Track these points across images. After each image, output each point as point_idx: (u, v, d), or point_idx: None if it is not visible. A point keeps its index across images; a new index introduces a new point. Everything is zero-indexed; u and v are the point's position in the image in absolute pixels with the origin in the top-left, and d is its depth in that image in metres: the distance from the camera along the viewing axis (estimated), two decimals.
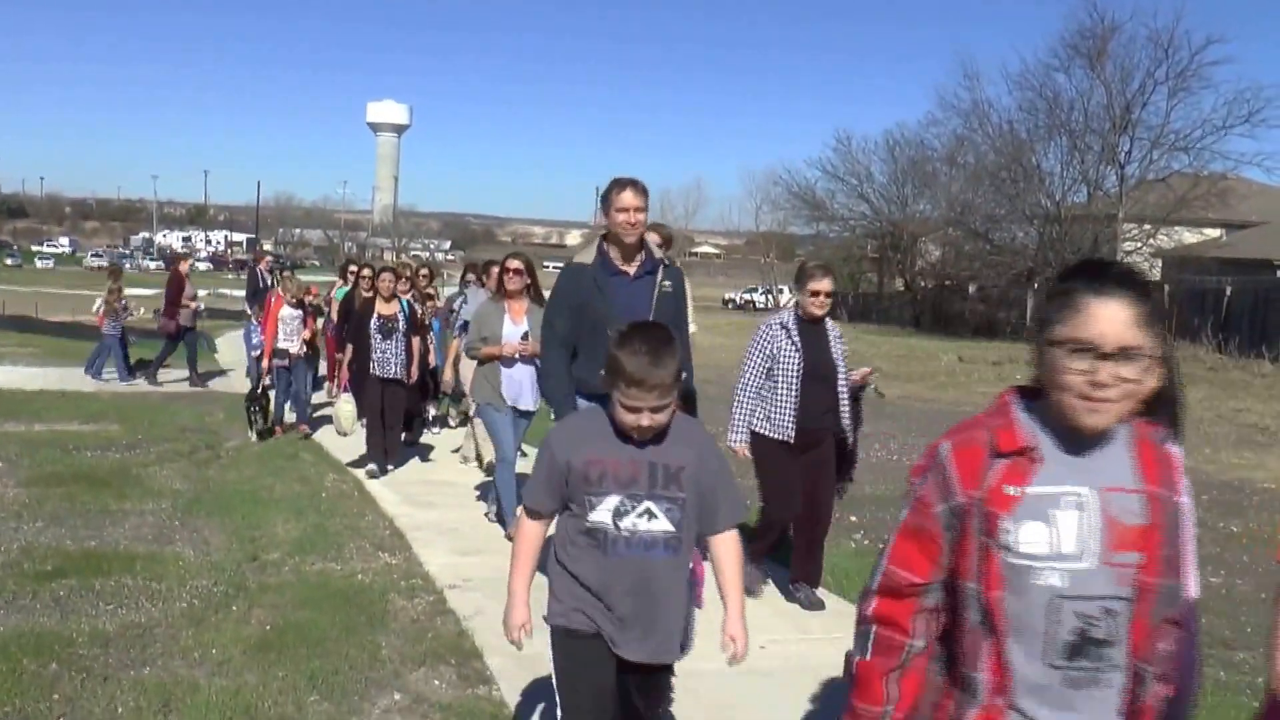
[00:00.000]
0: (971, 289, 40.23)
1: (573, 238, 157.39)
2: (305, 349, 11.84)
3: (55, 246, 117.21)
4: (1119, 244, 34.12)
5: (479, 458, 10.04)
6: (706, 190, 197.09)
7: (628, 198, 5.11)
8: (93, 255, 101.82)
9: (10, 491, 8.14)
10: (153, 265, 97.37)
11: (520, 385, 7.46)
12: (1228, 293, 24.97)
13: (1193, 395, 17.71)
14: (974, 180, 42.26)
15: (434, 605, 6.00)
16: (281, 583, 6.24)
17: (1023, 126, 39.15)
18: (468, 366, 8.56)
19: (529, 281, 7.68)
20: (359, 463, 9.90)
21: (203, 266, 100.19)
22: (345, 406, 10.09)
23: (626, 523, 3.04)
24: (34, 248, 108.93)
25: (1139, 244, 35.89)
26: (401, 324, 9.80)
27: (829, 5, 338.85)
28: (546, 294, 6.31)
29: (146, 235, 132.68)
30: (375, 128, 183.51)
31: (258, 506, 8.08)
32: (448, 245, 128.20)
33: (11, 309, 31.62)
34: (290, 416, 12.18)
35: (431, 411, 12.58)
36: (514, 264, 7.66)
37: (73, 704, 4.37)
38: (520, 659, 5.18)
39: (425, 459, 10.91)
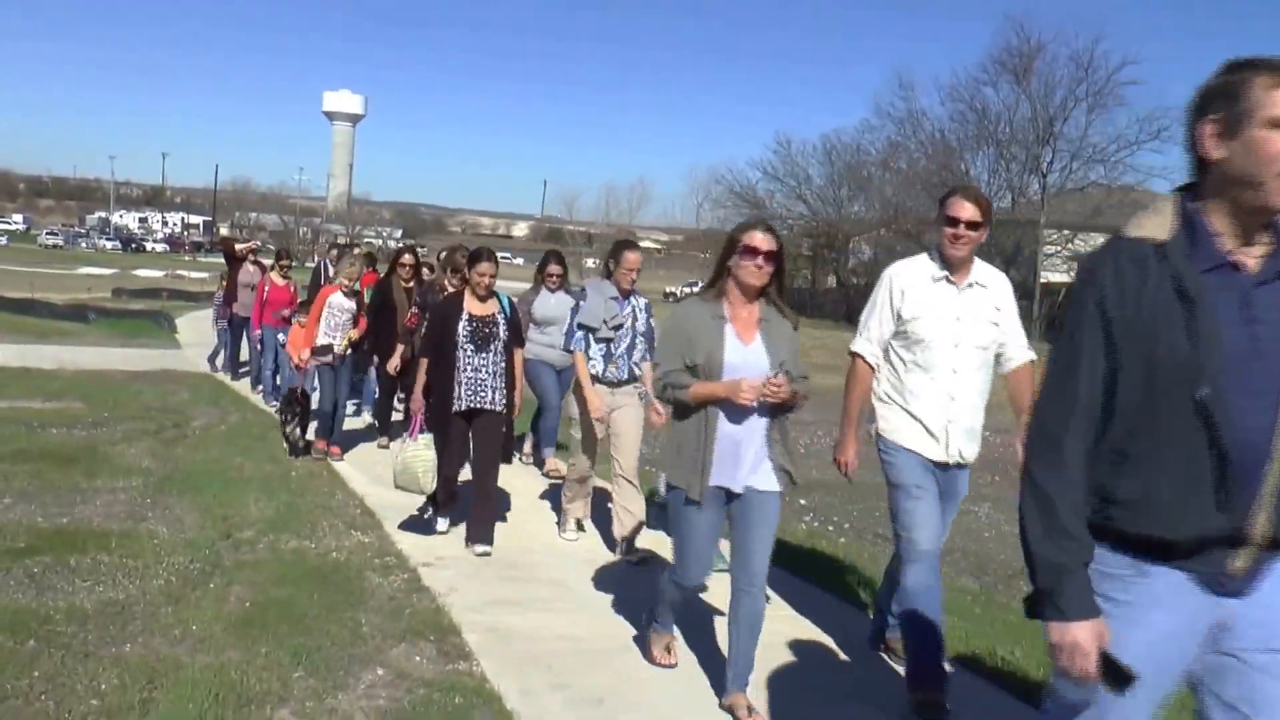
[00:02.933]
0: None
1: (520, 229, 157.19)
2: (350, 349, 9.75)
3: (9, 224, 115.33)
4: (1040, 248, 36.30)
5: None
6: (650, 188, 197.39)
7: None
8: (47, 234, 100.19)
9: None
10: (109, 245, 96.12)
11: (743, 454, 4.33)
12: None
13: None
14: (906, 184, 44.76)
15: (409, 583, 6.02)
16: (257, 560, 6.22)
17: (953, 135, 41.85)
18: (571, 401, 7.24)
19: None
20: (417, 522, 7.30)
21: (159, 248, 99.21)
22: (424, 454, 7.15)
23: None
24: None
25: (1058, 248, 38.39)
26: (502, 330, 6.89)
27: (772, 13, 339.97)
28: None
29: (103, 215, 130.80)
30: (331, 116, 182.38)
31: (228, 485, 8.03)
32: (399, 233, 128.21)
33: None
34: (354, 421, 10.87)
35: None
36: (764, 241, 4.30)
37: (53, 682, 4.33)
38: (497, 634, 5.26)
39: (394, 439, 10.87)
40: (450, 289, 8.56)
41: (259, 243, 15.70)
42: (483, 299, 6.83)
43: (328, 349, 9.48)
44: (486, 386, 6.75)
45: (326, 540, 6.76)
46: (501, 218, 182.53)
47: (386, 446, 10.12)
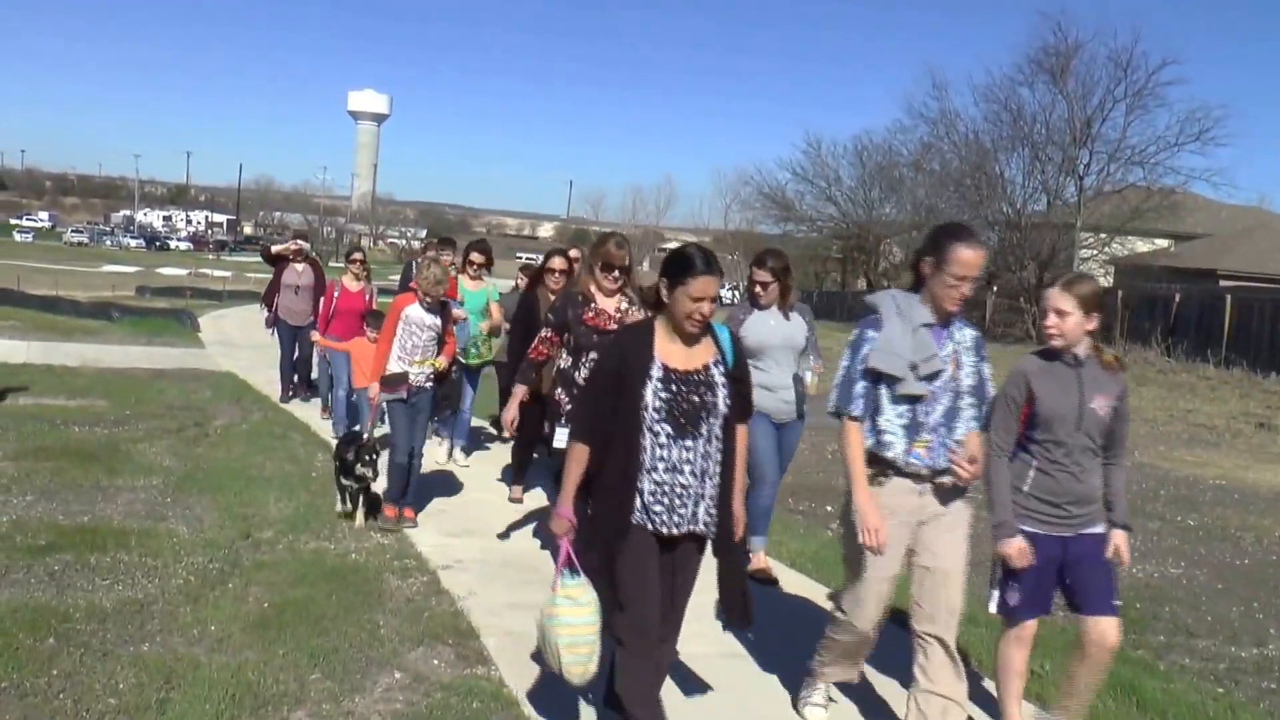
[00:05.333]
0: None
1: (545, 230, 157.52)
2: (432, 379, 7.38)
3: (35, 221, 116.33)
4: (1076, 251, 35.83)
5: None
6: (677, 188, 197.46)
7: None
8: (73, 231, 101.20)
9: None
10: (133, 243, 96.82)
11: None
12: (1176, 300, 25.71)
13: (1145, 396, 18.38)
14: (939, 186, 44.18)
15: (428, 585, 6.01)
16: (276, 560, 6.22)
17: (987, 136, 41.12)
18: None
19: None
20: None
21: (183, 247, 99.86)
22: (570, 617, 3.84)
23: None
24: (13, 221, 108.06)
25: (1094, 252, 37.66)
26: (721, 396, 3.91)
27: (802, 12, 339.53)
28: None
29: (127, 213, 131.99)
30: (356, 116, 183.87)
31: (249, 485, 8.04)
32: (424, 233, 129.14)
33: None
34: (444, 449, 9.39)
35: None
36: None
37: (72, 679, 4.34)
38: (516, 639, 5.23)
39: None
40: (602, 300, 6.04)
41: (301, 243, 12.71)
42: (691, 339, 3.91)
43: (402, 379, 7.24)
44: (691, 495, 3.87)
45: (346, 541, 6.76)
46: (526, 218, 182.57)
47: (519, 500, 8.16)
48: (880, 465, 4.08)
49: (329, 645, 4.89)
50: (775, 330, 6.14)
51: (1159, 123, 36.39)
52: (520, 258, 30.92)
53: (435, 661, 4.87)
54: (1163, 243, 39.82)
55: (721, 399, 3.88)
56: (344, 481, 7.27)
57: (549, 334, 6.04)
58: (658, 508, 3.84)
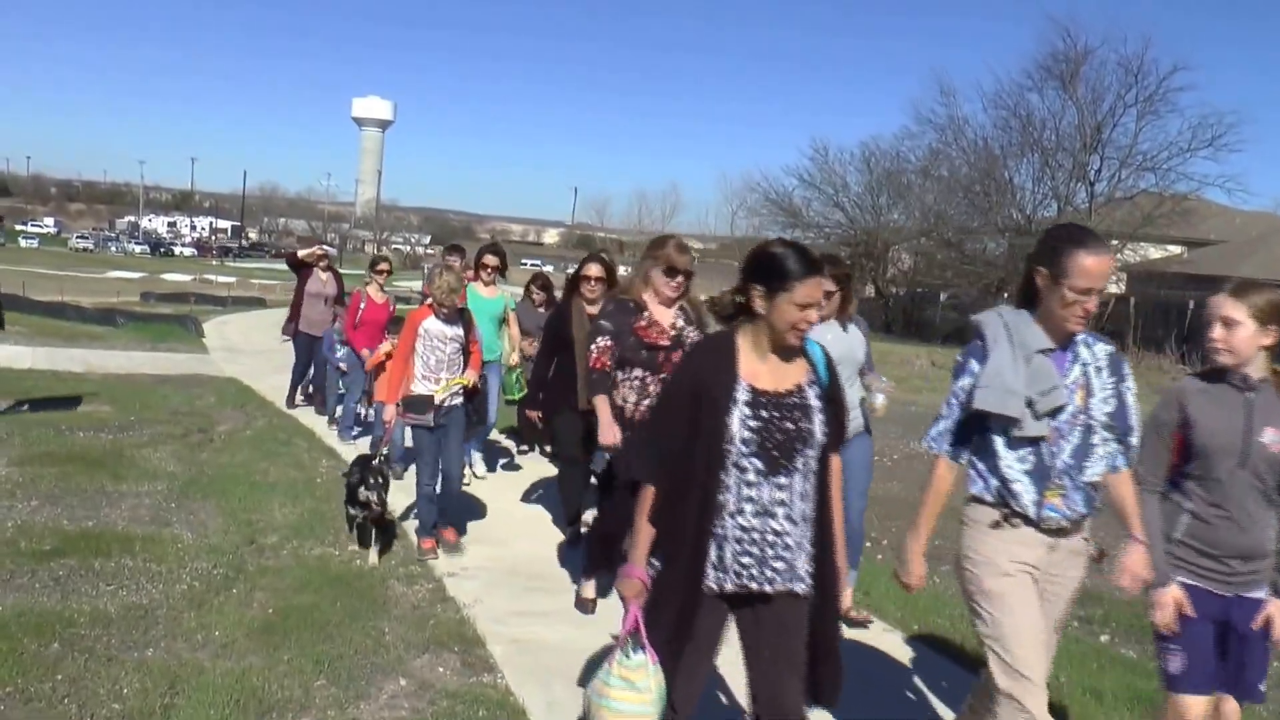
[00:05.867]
0: (943, 297, 41.65)
1: (550, 236, 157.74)
2: (462, 398, 6.77)
3: (40, 227, 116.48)
4: None
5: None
6: (683, 194, 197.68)
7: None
8: (78, 237, 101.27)
9: (2, 470, 8.03)
10: (138, 249, 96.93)
11: None
12: (1190, 307, 25.55)
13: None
14: (947, 192, 44.09)
15: (434, 592, 6.00)
16: (281, 566, 6.21)
17: (996, 142, 41.25)
18: None
19: None
20: None
21: (188, 253, 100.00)
22: (630, 700, 3.21)
23: None
24: (18, 227, 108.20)
25: None
26: (818, 422, 3.29)
27: (809, 18, 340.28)
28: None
29: (132, 219, 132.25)
30: (360, 122, 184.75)
31: (253, 490, 8.02)
32: (428, 239, 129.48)
33: None
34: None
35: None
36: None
37: (76, 685, 4.33)
38: (522, 646, 5.21)
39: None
40: (657, 310, 5.48)
41: (327, 248, 12.59)
42: (788, 354, 3.29)
43: (427, 402, 6.56)
44: (787, 543, 3.23)
45: (351, 547, 6.74)
46: (531, 224, 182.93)
47: (592, 605, 6.75)
48: (1007, 509, 3.45)
49: (334, 651, 4.87)
50: (834, 344, 5.02)
51: (1171, 129, 36.44)
52: (525, 264, 30.89)
53: (441, 669, 4.86)
54: (1176, 249, 39.67)
55: (818, 425, 3.26)
56: (350, 511, 6.64)
57: (607, 342, 5.46)
58: (746, 559, 3.18)
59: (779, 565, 3.19)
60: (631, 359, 5.41)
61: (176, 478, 8.28)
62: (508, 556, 6.93)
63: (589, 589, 5.89)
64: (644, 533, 3.29)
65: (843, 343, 5.59)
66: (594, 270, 6.74)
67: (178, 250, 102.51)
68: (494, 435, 10.36)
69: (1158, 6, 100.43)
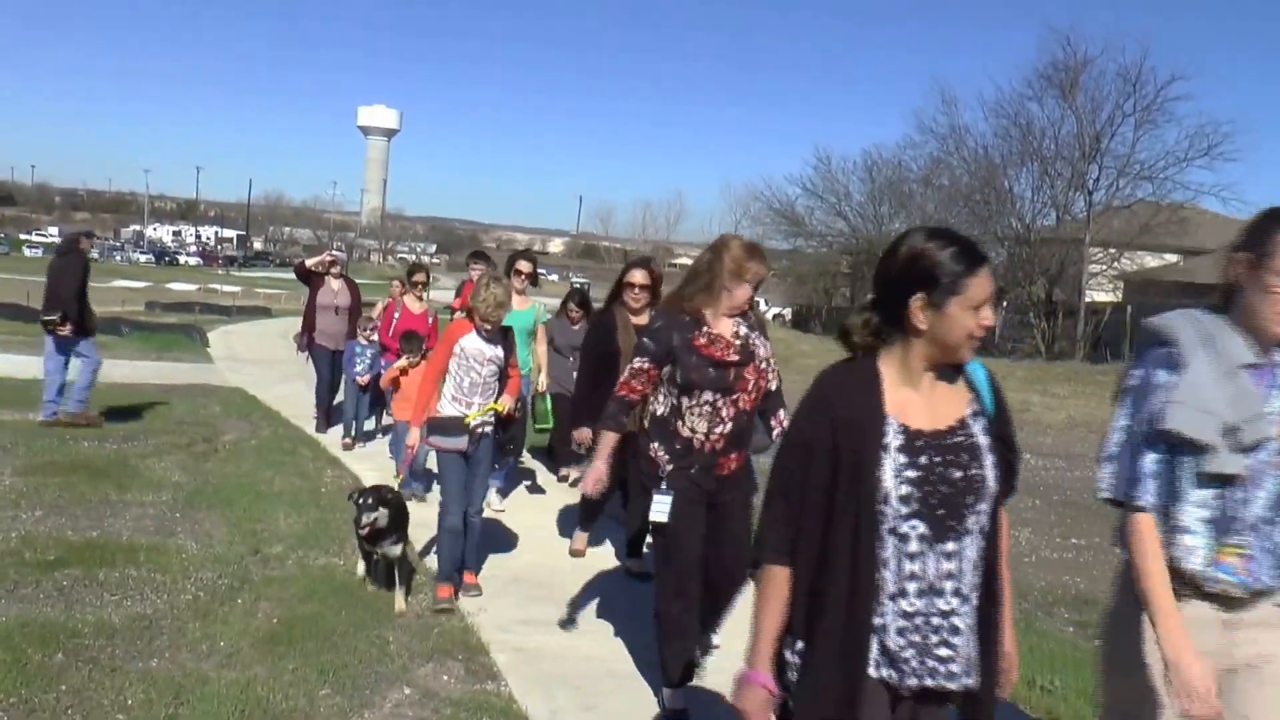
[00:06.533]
0: None
1: (555, 245, 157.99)
2: (495, 425, 6.08)
3: (45, 236, 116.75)
4: (1085, 266, 36.07)
5: None
6: (687, 203, 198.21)
7: None
8: None
9: (6, 480, 8.05)
10: (143, 258, 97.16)
11: None
12: None
13: None
14: (948, 201, 44.32)
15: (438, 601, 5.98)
16: (285, 576, 6.21)
17: (997, 152, 41.43)
18: None
19: None
20: None
21: (193, 262, 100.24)
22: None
23: None
24: (23, 236, 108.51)
25: (1104, 267, 37.88)
26: (989, 465, 2.51)
27: (812, 27, 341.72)
28: None
29: (137, 228, 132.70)
30: (365, 131, 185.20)
31: (258, 500, 8.02)
32: (433, 249, 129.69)
33: (2, 297, 31.42)
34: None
35: None
36: None
37: (80, 695, 4.33)
38: (525, 654, 5.21)
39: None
40: (718, 323, 4.54)
41: (337, 254, 11.95)
42: (947, 376, 2.55)
43: (456, 424, 5.88)
44: (955, 628, 2.46)
45: (355, 557, 6.73)
46: (536, 233, 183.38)
47: (582, 553, 7.16)
48: (1171, 571, 2.65)
49: (338, 661, 4.87)
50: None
51: (1168, 138, 36.60)
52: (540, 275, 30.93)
53: (445, 677, 4.85)
54: (1172, 258, 39.85)
55: (990, 471, 2.47)
56: (356, 542, 6.13)
57: (646, 364, 4.53)
58: (908, 651, 2.41)
59: (943, 653, 2.41)
60: (697, 380, 4.45)
61: (181, 487, 8.29)
62: (511, 565, 6.93)
63: (580, 541, 6.20)
64: (770, 624, 2.50)
65: None
66: (638, 277, 6.29)
67: (183, 259, 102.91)
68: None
69: (1156, 16, 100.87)
